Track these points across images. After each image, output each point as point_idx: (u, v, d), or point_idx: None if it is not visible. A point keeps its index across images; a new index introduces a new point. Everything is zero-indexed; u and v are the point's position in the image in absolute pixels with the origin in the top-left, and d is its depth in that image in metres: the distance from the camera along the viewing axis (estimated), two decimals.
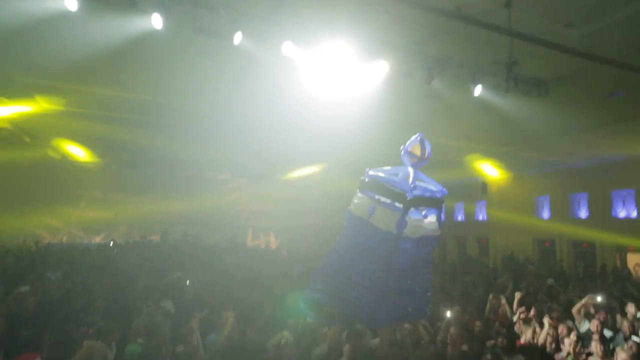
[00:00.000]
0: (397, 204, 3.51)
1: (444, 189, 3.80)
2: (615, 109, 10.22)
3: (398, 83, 8.50)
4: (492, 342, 4.83)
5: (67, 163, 18.13)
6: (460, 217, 20.88)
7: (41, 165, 17.29)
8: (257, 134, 13.69)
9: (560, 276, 11.11)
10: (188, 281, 7.14)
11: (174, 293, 6.66)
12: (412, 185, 3.50)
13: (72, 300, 5.88)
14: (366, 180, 3.73)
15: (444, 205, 3.83)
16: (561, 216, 16.33)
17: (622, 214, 14.62)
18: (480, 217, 20.10)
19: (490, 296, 7.08)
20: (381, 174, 3.72)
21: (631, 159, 13.74)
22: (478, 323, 5.52)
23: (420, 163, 3.77)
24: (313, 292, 3.94)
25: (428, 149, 3.79)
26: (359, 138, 12.55)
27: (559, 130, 11.65)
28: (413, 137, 3.84)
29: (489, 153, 15.18)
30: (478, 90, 8.16)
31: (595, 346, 4.75)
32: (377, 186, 3.66)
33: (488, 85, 8.28)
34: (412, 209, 3.49)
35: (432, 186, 3.80)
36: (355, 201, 3.85)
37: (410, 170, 3.72)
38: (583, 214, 15.88)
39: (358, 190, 3.82)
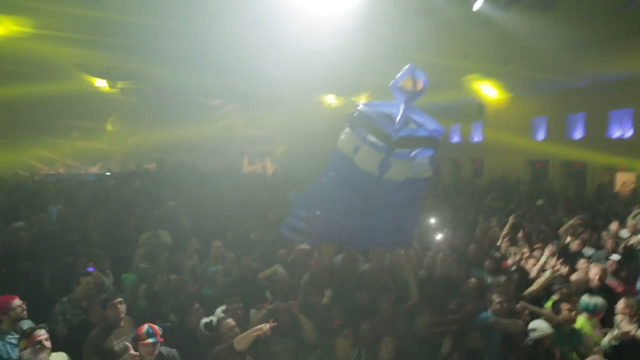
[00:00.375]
0: (382, 144, 3.37)
1: (440, 128, 3.58)
2: (627, 22, 9.61)
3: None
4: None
5: (53, 93, 17.44)
6: (455, 139, 20.81)
7: (27, 96, 16.63)
8: (246, 58, 13.01)
9: (550, 197, 11.33)
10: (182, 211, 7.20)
11: (169, 223, 6.76)
12: (398, 126, 3.30)
13: (68, 234, 5.97)
14: (355, 115, 3.53)
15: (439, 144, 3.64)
16: (556, 137, 16.27)
17: (616, 134, 14.56)
18: (476, 139, 20.04)
19: (481, 219, 7.24)
20: (370, 110, 3.50)
21: (632, 77, 13.32)
22: (472, 246, 5.69)
23: (413, 97, 3.50)
24: (294, 219, 3.98)
25: (421, 80, 3.49)
26: (351, 58, 11.96)
27: (563, 47, 11.10)
28: (403, 70, 3.53)
29: (487, 73, 14.66)
30: (478, 4, 7.59)
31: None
32: (365, 123, 3.47)
33: None
34: (398, 150, 3.34)
35: (427, 124, 3.58)
36: (342, 137, 3.70)
37: (401, 107, 3.46)
38: (578, 134, 15.81)
39: (346, 125, 3.64)
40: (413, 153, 3.45)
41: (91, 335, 3.40)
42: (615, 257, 5.36)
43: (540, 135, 17.19)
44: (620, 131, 14.50)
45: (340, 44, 10.63)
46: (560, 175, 16.23)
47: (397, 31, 9.94)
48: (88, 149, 19.80)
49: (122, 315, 3.54)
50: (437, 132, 3.57)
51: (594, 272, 4.75)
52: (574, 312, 3.94)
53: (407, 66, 3.51)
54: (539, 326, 3.75)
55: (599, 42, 10.79)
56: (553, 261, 4.67)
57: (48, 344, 2.97)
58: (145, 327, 3.14)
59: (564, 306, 3.93)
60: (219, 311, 3.74)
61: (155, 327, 3.17)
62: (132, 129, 20.99)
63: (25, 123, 16.89)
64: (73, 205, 8.25)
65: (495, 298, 3.89)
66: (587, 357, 3.80)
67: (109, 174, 15.35)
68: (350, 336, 3.30)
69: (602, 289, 4.65)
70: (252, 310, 3.95)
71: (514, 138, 16.82)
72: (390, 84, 3.57)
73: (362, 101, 3.91)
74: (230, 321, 3.39)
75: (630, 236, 6.36)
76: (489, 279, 4.89)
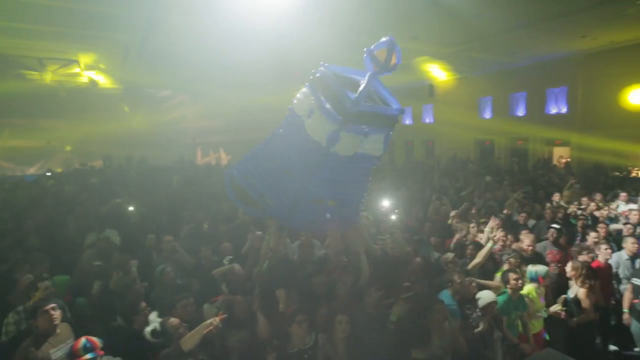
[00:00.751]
0: (336, 114, 3.19)
1: (400, 107, 3.45)
2: (560, 3, 10.10)
3: None
4: None
5: None
6: (407, 121, 21.27)
7: None
8: (194, 47, 12.47)
9: (497, 173, 11.88)
10: (131, 207, 6.83)
11: (118, 221, 6.41)
12: (358, 98, 3.16)
13: (1, 239, 5.50)
14: (316, 75, 3.37)
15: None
16: (501, 115, 17.04)
17: (553, 110, 15.47)
18: (427, 120, 20.58)
19: (433, 197, 7.44)
20: (332, 74, 3.30)
21: (566, 57, 14.18)
22: (427, 224, 5.82)
23: (383, 70, 3.33)
24: (237, 179, 3.83)
25: (397, 56, 3.32)
26: (301, 43, 11.80)
27: (504, 28, 11.52)
28: (382, 39, 3.34)
29: (436, 55, 14.95)
30: None
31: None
32: (324, 86, 3.25)
33: None
34: (351, 125, 3.20)
35: (389, 101, 3.46)
36: (299, 95, 3.48)
37: (365, 78, 3.28)
38: (521, 112, 16.64)
39: (306, 84, 3.43)
40: (367, 129, 3.34)
41: (22, 345, 3.13)
42: (555, 226, 5.69)
43: (487, 114, 17.93)
44: (557, 108, 15.42)
45: (288, 29, 10.42)
46: (505, 152, 17.06)
47: (346, 15, 9.87)
48: (23, 148, 18.33)
49: (57, 322, 3.27)
50: (398, 111, 3.44)
51: (526, 242, 5.01)
52: (520, 281, 4.13)
53: (387, 38, 3.33)
54: (484, 295, 3.93)
55: (537, 22, 11.29)
56: (496, 233, 4.87)
57: None
58: (82, 341, 2.93)
59: (511, 275, 4.12)
60: (153, 317, 3.49)
61: (94, 339, 2.96)
62: (75, 125, 19.68)
63: None
64: (7, 209, 7.63)
65: (456, 279, 3.95)
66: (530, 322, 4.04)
67: (49, 174, 14.30)
68: (305, 322, 3.26)
69: (535, 256, 4.97)
70: (206, 305, 3.80)
71: (463, 118, 17.44)
72: (364, 50, 3.40)
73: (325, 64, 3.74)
74: (174, 320, 3.22)
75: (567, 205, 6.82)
76: (435, 255, 5.05)
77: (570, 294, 4.40)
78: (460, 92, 18.25)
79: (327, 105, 3.21)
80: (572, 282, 4.46)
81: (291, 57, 13.52)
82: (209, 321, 3.02)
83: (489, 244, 4.68)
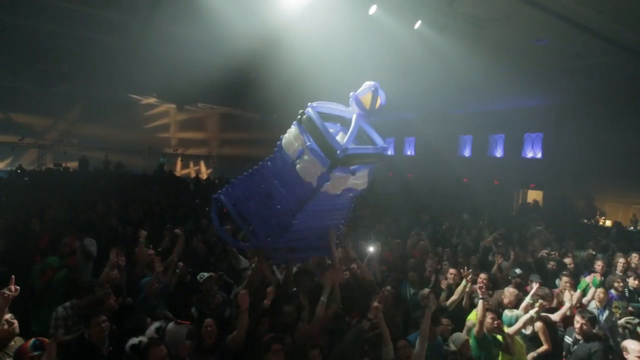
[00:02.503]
0: (325, 158, 3.34)
1: (385, 145, 3.66)
2: (538, 55, 10.71)
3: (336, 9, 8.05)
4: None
5: None
6: (390, 152, 21.68)
7: None
8: (184, 52, 12.49)
9: (473, 211, 12.17)
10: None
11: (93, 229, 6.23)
12: (346, 143, 3.29)
13: None
14: (305, 116, 3.47)
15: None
16: (479, 155, 17.59)
17: (529, 154, 16.12)
18: (409, 153, 21.03)
19: (412, 232, 7.56)
20: (319, 115, 3.44)
21: (542, 106, 14.94)
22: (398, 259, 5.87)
23: (369, 114, 3.54)
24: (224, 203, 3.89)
25: (381, 101, 3.52)
26: (297, 64, 12.04)
27: (488, 72, 12.07)
28: (366, 85, 3.54)
29: (422, 91, 15.43)
30: (418, 23, 7.99)
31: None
32: (312, 129, 3.40)
33: (428, 19, 8.13)
34: (340, 167, 3.36)
35: (375, 140, 3.60)
36: (287, 135, 3.62)
37: (353, 120, 3.46)
38: (499, 153, 17.24)
39: (294, 123, 3.56)
40: (354, 167, 3.48)
41: None
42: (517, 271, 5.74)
43: (466, 152, 18.48)
44: (532, 152, 16.07)
45: (283, 52, 10.64)
46: (482, 190, 17.53)
47: (340, 43, 10.17)
48: None
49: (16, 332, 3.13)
50: (384, 149, 3.63)
51: (482, 277, 5.03)
52: (497, 322, 4.18)
53: (371, 83, 3.52)
54: (459, 336, 4.01)
55: (518, 70, 11.91)
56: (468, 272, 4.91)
57: None
58: (32, 340, 2.89)
59: (489, 315, 4.16)
60: (152, 330, 3.38)
61: (47, 340, 2.88)
62: (52, 123, 19.15)
63: None
64: None
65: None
66: None
67: (19, 171, 13.79)
68: (281, 352, 3.21)
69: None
70: (171, 324, 3.67)
71: (443, 154, 17.92)
72: (350, 94, 3.58)
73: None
74: (163, 349, 3.10)
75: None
76: (412, 290, 5.09)
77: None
78: (441, 128, 18.80)
79: (316, 148, 3.33)
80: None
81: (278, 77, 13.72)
82: None
83: (463, 283, 4.75)
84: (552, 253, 6.91)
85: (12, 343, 3.13)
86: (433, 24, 8.15)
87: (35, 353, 2.83)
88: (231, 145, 21.35)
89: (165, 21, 10.12)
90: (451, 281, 5.15)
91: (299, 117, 3.53)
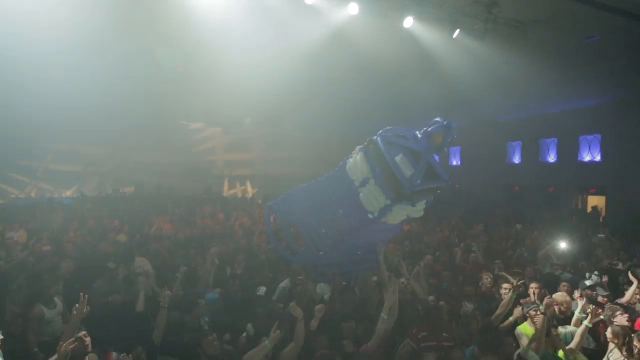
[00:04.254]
0: (392, 192, 3.34)
1: (449, 179, 3.60)
2: (591, 53, 10.15)
3: (369, 23, 8.10)
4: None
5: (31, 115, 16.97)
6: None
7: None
8: (227, 79, 13.04)
9: (526, 220, 11.56)
10: None
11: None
12: (413, 181, 3.28)
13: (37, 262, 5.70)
14: (371, 146, 3.47)
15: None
16: (531, 161, 16.74)
17: (587, 158, 15.11)
18: (455, 163, 20.44)
19: (462, 245, 7.30)
20: (388, 146, 3.42)
21: (599, 106, 14.00)
22: (447, 273, 5.70)
23: (439, 150, 3.53)
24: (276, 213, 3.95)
25: (452, 137, 3.49)
26: (330, 81, 12.24)
27: (535, 75, 11.58)
28: (438, 120, 3.50)
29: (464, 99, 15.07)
30: (456, 33, 7.86)
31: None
32: (381, 160, 3.40)
33: (467, 28, 7.99)
34: (405, 201, 3.37)
35: (441, 174, 3.56)
36: (353, 160, 3.63)
37: (422, 157, 3.42)
38: (552, 158, 16.32)
39: (361, 149, 3.57)
40: (416, 201, 3.46)
41: None
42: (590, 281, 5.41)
43: (516, 159, 17.67)
44: (590, 155, 15.06)
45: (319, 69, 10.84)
46: (535, 198, 16.62)
47: (376, 58, 10.22)
48: (62, 172, 19.22)
49: (89, 350, 3.29)
50: (447, 182, 3.62)
51: (560, 300, 4.66)
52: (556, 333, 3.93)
53: (443, 121, 3.47)
54: (532, 356, 3.75)
55: (569, 70, 11.33)
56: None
57: None
58: (114, 355, 3.13)
59: (554, 331, 3.91)
60: None
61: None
62: (110, 152, 20.54)
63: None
64: (42, 230, 7.95)
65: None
66: None
67: (80, 197, 14.87)
68: None
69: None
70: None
71: (491, 162, 17.24)
72: (422, 131, 3.55)
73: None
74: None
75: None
76: (468, 306, 4.86)
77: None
78: (488, 136, 18.14)
79: (384, 180, 3.32)
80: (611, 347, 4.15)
81: (319, 97, 13.94)
82: None
83: (511, 294, 4.50)
84: (615, 263, 6.39)
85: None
86: (472, 31, 7.99)
87: None
88: (275, 165, 21.83)
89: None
90: (505, 296, 4.86)
91: (367, 144, 3.54)
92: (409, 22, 7.61)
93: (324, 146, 18.84)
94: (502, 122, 17.47)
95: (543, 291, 4.77)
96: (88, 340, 3.30)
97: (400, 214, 3.53)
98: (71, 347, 2.90)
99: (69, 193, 19.37)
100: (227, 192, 20.51)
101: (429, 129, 3.49)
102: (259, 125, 20.68)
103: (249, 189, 20.89)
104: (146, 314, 4.25)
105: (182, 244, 7.62)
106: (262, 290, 4.47)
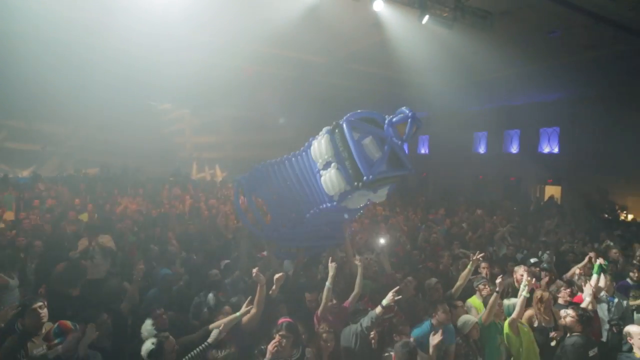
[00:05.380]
0: (352, 179, 3.35)
1: (412, 168, 3.62)
2: (552, 47, 10.55)
3: (339, 5, 8.09)
4: None
5: None
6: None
7: None
8: (194, 59, 12.73)
9: (488, 206, 12.05)
10: None
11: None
12: (374, 170, 3.30)
13: None
14: (337, 129, 3.44)
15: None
16: (495, 151, 17.37)
17: (546, 149, 15.84)
18: (422, 151, 20.90)
19: (423, 226, 7.56)
20: (352, 132, 3.38)
21: (559, 100, 14.66)
22: (415, 252, 5.92)
23: (404, 140, 3.56)
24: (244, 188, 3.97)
25: (417, 127, 3.47)
26: (299, 64, 12.20)
27: (500, 67, 11.94)
28: (403, 111, 3.48)
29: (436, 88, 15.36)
30: (425, 19, 7.94)
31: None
32: (344, 146, 3.39)
33: (435, 14, 8.10)
34: (365, 188, 3.40)
35: (404, 162, 3.57)
36: (317, 144, 3.59)
37: (386, 145, 3.44)
38: (514, 149, 16.99)
39: (326, 131, 3.54)
40: (377, 187, 3.51)
41: (5, 344, 3.11)
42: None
43: (481, 149, 18.27)
44: (549, 147, 15.80)
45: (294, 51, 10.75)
46: (497, 187, 17.31)
47: (345, 42, 10.24)
48: (18, 150, 18.28)
49: (44, 321, 3.26)
50: (411, 171, 3.65)
51: (519, 272, 4.97)
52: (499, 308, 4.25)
53: (408, 111, 3.46)
54: (466, 319, 4.06)
55: (531, 64, 11.74)
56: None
57: None
58: (55, 326, 3.07)
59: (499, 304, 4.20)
60: (149, 325, 3.48)
61: (67, 323, 3.05)
62: (71, 131, 19.69)
63: None
64: None
65: (440, 310, 3.93)
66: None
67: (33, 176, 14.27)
68: (291, 337, 3.29)
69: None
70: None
71: (458, 152, 17.75)
72: (386, 120, 3.53)
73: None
74: (171, 341, 3.21)
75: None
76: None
77: None
78: (456, 125, 18.64)
79: (346, 166, 3.36)
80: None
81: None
82: None
83: (469, 266, 4.75)
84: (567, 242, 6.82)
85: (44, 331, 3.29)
86: (441, 18, 8.11)
87: (57, 341, 2.99)
88: (245, 148, 21.61)
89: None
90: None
91: (333, 127, 3.52)
92: (378, 4, 7.61)
93: (293, 129, 18.80)
94: (469, 112, 17.96)
95: (492, 270, 5.11)
96: (44, 312, 3.27)
97: (360, 200, 3.58)
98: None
99: (25, 173, 18.48)
100: (195, 174, 20.17)
101: (394, 119, 3.50)
102: (227, 108, 20.33)
103: (218, 172, 20.61)
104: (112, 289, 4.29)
105: (148, 223, 7.49)
106: (224, 262, 4.55)
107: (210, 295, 4.21)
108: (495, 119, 17.14)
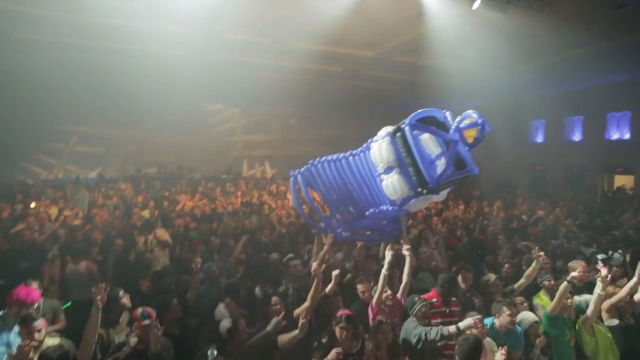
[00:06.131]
0: (415, 184, 3.25)
1: (475, 169, 3.45)
2: (621, 24, 9.69)
3: None
4: None
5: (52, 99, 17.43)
6: None
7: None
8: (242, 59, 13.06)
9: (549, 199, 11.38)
10: None
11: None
12: (440, 177, 3.20)
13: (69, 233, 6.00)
14: (398, 134, 3.35)
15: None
16: (555, 139, 16.32)
17: (615, 136, 14.62)
18: None
19: (480, 218, 7.30)
20: (414, 144, 3.27)
21: (629, 81, 13.43)
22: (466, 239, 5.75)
23: (471, 146, 3.31)
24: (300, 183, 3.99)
25: (483, 136, 3.23)
26: (347, 60, 12.13)
27: (559, 49, 11.17)
28: (473, 115, 3.25)
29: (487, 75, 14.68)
30: (476, 3, 7.60)
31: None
32: (407, 151, 3.28)
33: None
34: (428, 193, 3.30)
35: (468, 165, 3.44)
36: (377, 148, 3.47)
37: (450, 149, 3.25)
38: (577, 137, 15.87)
39: (388, 134, 3.43)
40: (441, 190, 3.41)
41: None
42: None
43: (539, 137, 17.25)
44: (618, 133, 14.57)
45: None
46: (559, 178, 16.26)
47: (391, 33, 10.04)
48: (87, 154, 19.83)
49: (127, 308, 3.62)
50: (474, 172, 3.47)
51: (578, 269, 4.67)
52: (570, 301, 3.99)
53: (479, 117, 3.24)
54: (527, 316, 3.90)
55: (596, 44, 10.88)
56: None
57: (41, 334, 3.09)
58: (140, 310, 3.29)
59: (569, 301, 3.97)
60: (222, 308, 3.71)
61: (150, 310, 3.30)
62: (131, 134, 20.97)
63: (25, 129, 16.84)
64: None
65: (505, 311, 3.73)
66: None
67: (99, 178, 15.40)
68: (351, 329, 3.31)
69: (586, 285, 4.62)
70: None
71: (513, 141, 16.89)
72: (454, 124, 3.32)
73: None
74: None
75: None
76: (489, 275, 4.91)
77: None
78: (510, 114, 17.70)
79: (409, 171, 3.27)
80: None
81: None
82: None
83: (534, 264, 4.50)
84: None
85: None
86: (493, 2, 7.72)
87: (146, 322, 3.23)
88: (293, 145, 21.90)
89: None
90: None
91: (394, 131, 3.41)
92: None
93: (341, 126, 18.72)
94: (525, 100, 16.98)
95: (555, 265, 4.83)
96: (126, 299, 3.61)
97: (422, 203, 3.50)
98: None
99: (93, 174, 19.97)
100: (246, 172, 20.77)
101: (461, 124, 3.25)
102: (275, 106, 20.70)
103: (268, 169, 21.08)
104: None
105: (205, 219, 7.83)
106: (289, 256, 4.74)
107: (257, 288, 4.45)
108: (555, 105, 16.05)
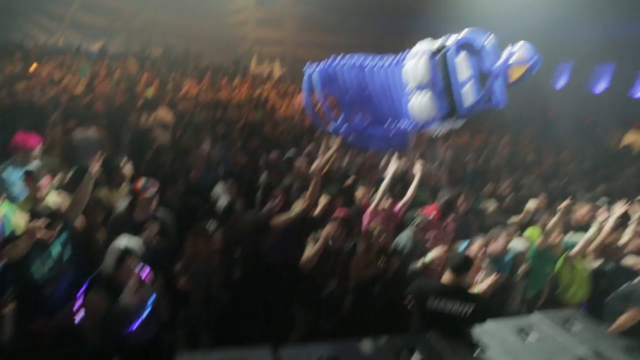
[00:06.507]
0: (444, 107, 3.07)
1: (502, 103, 3.18)
2: None
3: None
4: None
5: None
6: None
7: None
8: None
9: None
10: None
11: None
12: (470, 108, 3.01)
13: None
14: (442, 53, 3.05)
15: None
16: (576, 87, 15.68)
17: None
18: None
19: (485, 149, 7.22)
20: (454, 72, 3.02)
21: None
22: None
23: (512, 84, 3.05)
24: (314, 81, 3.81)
25: (528, 76, 2.98)
26: None
27: None
28: (525, 52, 2.93)
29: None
30: None
31: None
32: (445, 76, 3.05)
33: None
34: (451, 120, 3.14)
35: (498, 96, 3.14)
36: (413, 64, 3.19)
37: (488, 80, 3.02)
38: (601, 87, 15.23)
39: (426, 51, 3.14)
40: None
41: None
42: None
43: (560, 83, 16.57)
44: None
45: None
46: (569, 126, 15.91)
47: None
48: (90, 24, 18.80)
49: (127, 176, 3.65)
50: (502, 104, 3.19)
51: (582, 211, 4.81)
52: (559, 238, 4.13)
53: (530, 55, 2.93)
54: (514, 245, 4.12)
55: None
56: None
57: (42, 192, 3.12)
58: (143, 179, 3.29)
59: (556, 234, 4.08)
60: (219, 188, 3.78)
61: (154, 181, 3.32)
62: (136, 9, 19.74)
63: None
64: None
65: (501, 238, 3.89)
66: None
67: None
68: (346, 228, 3.44)
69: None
70: None
71: (532, 83, 16.17)
72: (503, 56, 3.03)
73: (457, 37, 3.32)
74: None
75: None
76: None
77: None
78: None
79: (442, 98, 3.08)
80: None
81: None
82: None
83: (530, 203, 4.60)
84: None
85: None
86: None
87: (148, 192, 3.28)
88: (308, 47, 20.86)
89: None
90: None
91: (435, 51, 3.09)
92: None
93: (357, 36, 17.67)
94: (555, 40, 15.86)
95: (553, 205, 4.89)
96: (128, 168, 3.62)
97: (442, 127, 3.37)
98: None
99: (96, 46, 19.11)
100: (254, 67, 20.08)
101: (511, 60, 2.95)
102: (293, 3, 19.28)
103: (277, 67, 20.38)
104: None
105: (209, 106, 7.68)
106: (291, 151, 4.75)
107: (264, 175, 4.54)
108: (586, 50, 15.07)
